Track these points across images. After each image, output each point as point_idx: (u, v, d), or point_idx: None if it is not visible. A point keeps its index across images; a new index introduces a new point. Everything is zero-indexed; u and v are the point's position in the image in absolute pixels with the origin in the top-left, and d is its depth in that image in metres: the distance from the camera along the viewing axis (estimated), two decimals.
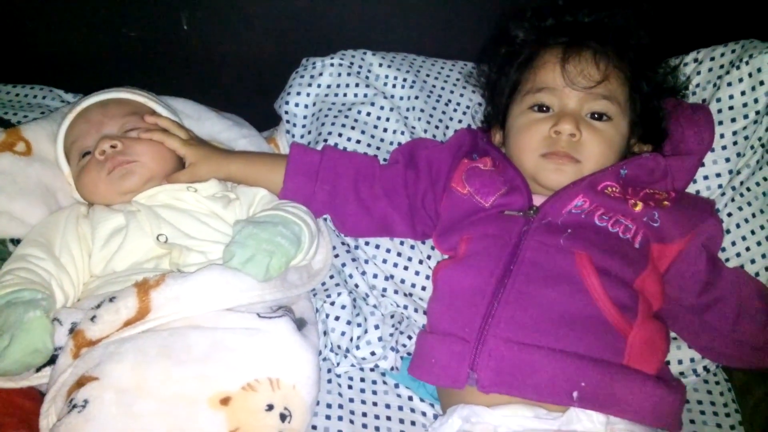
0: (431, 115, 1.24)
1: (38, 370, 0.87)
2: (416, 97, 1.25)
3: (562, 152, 0.97)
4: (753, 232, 1.03)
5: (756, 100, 1.06)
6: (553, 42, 1.04)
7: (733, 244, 1.03)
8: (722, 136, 1.07)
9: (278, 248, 0.91)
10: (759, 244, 1.02)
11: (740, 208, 1.05)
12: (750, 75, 1.06)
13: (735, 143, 1.07)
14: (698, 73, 1.14)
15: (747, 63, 1.07)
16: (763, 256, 1.02)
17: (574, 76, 0.99)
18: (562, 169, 0.97)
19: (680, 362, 1.01)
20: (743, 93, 1.07)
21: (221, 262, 0.92)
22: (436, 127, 1.23)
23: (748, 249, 1.02)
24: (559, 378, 0.83)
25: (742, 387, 1.00)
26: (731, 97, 1.08)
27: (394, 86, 1.26)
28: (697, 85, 1.14)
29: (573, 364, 0.84)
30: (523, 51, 1.08)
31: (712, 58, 1.13)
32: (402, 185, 1.07)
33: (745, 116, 1.06)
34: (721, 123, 1.08)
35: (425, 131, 1.22)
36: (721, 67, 1.11)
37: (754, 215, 1.04)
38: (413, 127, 1.23)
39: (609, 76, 0.99)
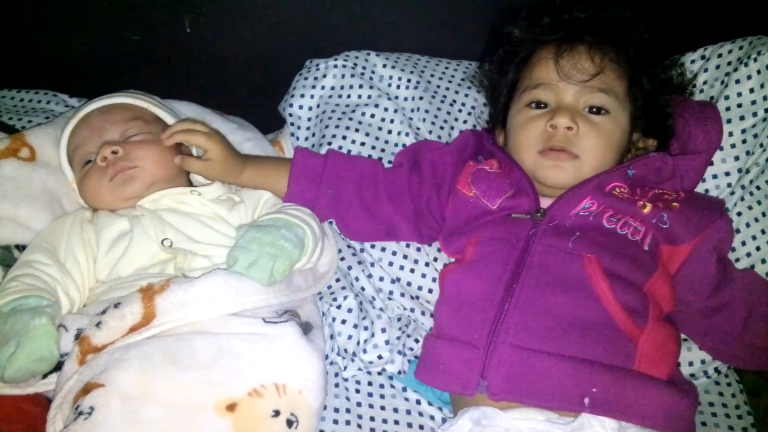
0: (436, 116, 1.23)
1: (45, 376, 0.87)
2: (421, 98, 1.24)
3: (559, 146, 0.96)
4: (763, 232, 1.01)
5: (765, 98, 1.05)
6: (548, 39, 1.03)
7: (743, 243, 1.02)
8: (731, 134, 1.06)
9: (282, 251, 0.91)
10: None
11: (750, 207, 1.03)
12: (759, 72, 1.05)
13: (744, 141, 1.06)
14: (706, 70, 1.13)
15: (755, 60, 1.06)
16: None
17: (569, 69, 0.98)
18: (560, 166, 0.96)
19: (691, 364, 1.00)
20: (752, 90, 1.06)
21: (226, 266, 0.92)
22: (441, 127, 1.23)
23: (758, 249, 1.01)
24: (570, 384, 0.83)
25: (754, 389, 0.99)
26: (739, 94, 1.07)
27: (398, 87, 1.25)
28: (705, 83, 1.13)
29: (584, 370, 0.83)
30: (521, 50, 1.07)
31: (720, 55, 1.12)
32: (406, 189, 1.06)
33: (754, 114, 1.05)
34: (729, 121, 1.07)
35: (430, 132, 1.22)
36: (729, 63, 1.10)
37: (764, 214, 1.02)
38: (418, 128, 1.22)
39: (605, 69, 0.98)
